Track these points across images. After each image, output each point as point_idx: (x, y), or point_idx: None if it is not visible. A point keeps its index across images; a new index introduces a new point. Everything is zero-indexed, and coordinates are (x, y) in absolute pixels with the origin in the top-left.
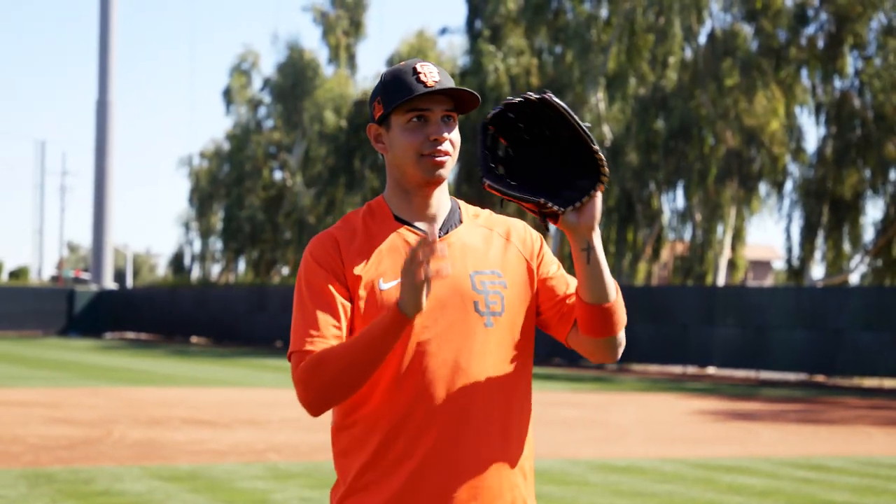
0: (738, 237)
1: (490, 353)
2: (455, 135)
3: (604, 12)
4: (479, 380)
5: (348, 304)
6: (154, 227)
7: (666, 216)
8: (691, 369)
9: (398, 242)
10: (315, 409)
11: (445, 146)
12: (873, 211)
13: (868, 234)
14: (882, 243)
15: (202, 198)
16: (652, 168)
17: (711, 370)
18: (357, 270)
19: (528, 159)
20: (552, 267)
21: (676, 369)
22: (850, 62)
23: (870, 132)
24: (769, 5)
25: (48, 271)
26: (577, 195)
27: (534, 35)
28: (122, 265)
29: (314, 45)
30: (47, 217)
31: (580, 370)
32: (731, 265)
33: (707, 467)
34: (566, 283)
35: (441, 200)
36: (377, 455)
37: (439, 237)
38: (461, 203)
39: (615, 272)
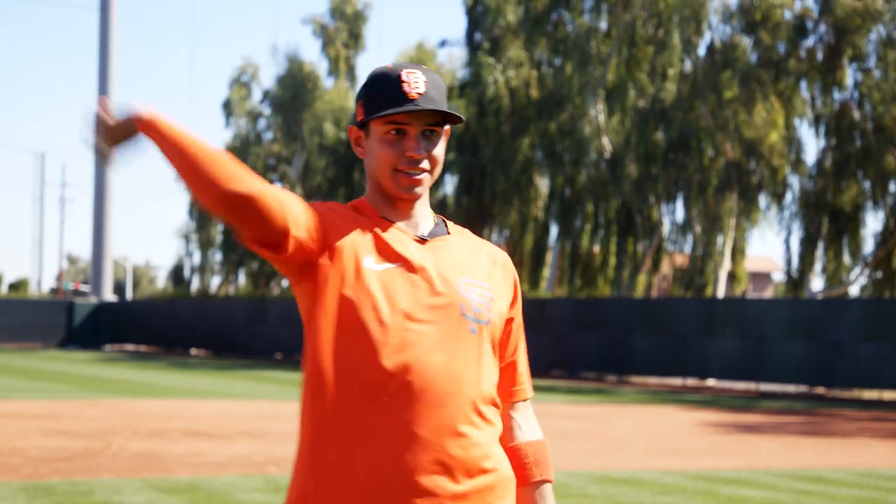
0: (738, 249)
1: (472, 360)
2: (437, 149)
3: (603, 24)
4: (463, 386)
5: (313, 236)
6: (154, 239)
7: (666, 228)
8: (691, 381)
9: (385, 234)
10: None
11: (422, 163)
12: (873, 223)
13: (868, 246)
14: (882, 255)
15: (202, 210)
16: (651, 180)
17: (711, 382)
18: (342, 241)
19: None
20: (517, 315)
21: (676, 381)
22: (850, 74)
23: (869, 144)
24: (768, 17)
25: (48, 283)
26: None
27: (533, 47)
28: (122, 277)
29: (314, 57)
30: (47, 229)
31: (580, 382)
32: (732, 277)
33: (707, 479)
34: (516, 343)
35: (422, 208)
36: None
37: (426, 241)
38: (445, 219)
39: (616, 284)
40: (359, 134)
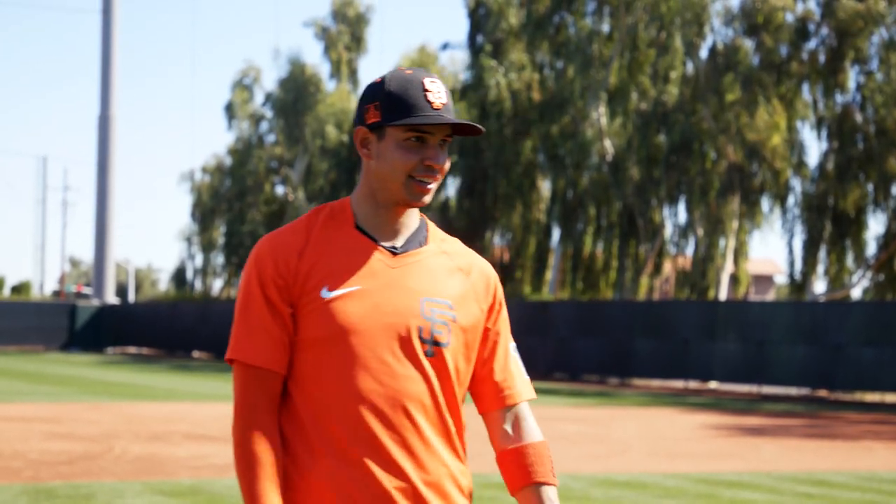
0: (740, 252)
1: (426, 384)
2: (447, 161)
3: (605, 27)
4: (413, 410)
5: (291, 317)
6: (156, 241)
7: (668, 231)
8: (693, 384)
9: (352, 251)
10: None
11: (437, 173)
12: (875, 225)
13: (870, 249)
14: (884, 258)
15: (204, 212)
16: (653, 183)
17: (713, 385)
18: (304, 278)
19: None
20: (500, 327)
21: (678, 384)
22: (852, 77)
23: (871, 147)
24: (770, 20)
25: (50, 286)
26: None
27: (535, 50)
28: (124, 280)
29: (316, 60)
30: (49, 232)
31: (582, 385)
32: (734, 280)
33: (709, 482)
34: (495, 351)
35: (409, 218)
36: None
37: (398, 254)
38: (431, 225)
39: (618, 287)
40: (367, 136)
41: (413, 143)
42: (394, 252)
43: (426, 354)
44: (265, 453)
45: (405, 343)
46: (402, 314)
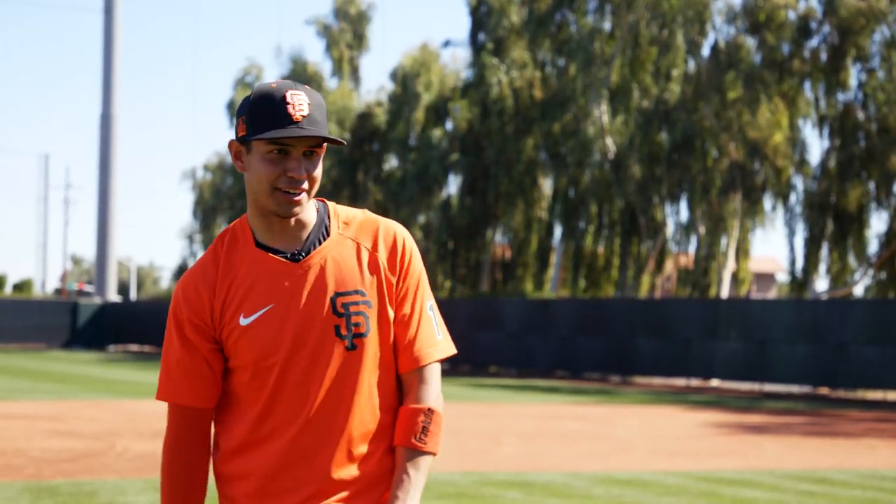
0: (741, 250)
1: (355, 377)
2: (317, 170)
3: (607, 25)
4: (345, 406)
5: (215, 352)
6: (158, 239)
7: (669, 229)
8: (695, 382)
9: (258, 272)
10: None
11: (302, 184)
12: (877, 223)
13: (872, 247)
14: (886, 256)
15: (206, 210)
16: (655, 181)
17: (715, 383)
18: (221, 310)
19: None
20: (410, 285)
21: (680, 382)
22: (854, 75)
23: (873, 145)
24: (772, 18)
25: (52, 284)
26: None
27: (537, 48)
28: (126, 278)
29: (318, 58)
30: (51, 230)
31: (583, 383)
32: (736, 278)
33: (710, 480)
34: (411, 316)
35: (305, 216)
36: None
37: (300, 260)
38: (333, 209)
39: (619, 285)
40: (239, 148)
41: (276, 155)
42: (296, 259)
43: (348, 349)
44: (178, 480)
45: (324, 345)
46: (316, 318)
